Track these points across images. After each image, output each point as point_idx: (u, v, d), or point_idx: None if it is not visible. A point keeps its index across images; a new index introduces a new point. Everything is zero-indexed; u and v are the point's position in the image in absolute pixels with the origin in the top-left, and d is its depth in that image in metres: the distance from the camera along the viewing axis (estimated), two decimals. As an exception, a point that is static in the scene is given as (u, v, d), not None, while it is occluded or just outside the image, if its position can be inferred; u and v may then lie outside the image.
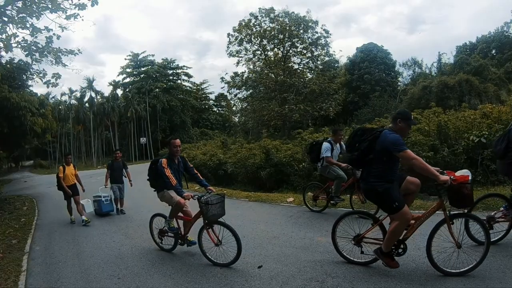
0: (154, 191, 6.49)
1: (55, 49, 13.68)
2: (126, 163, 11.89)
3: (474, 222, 4.61)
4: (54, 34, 12.97)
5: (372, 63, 50.54)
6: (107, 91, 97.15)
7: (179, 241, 6.37)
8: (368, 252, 4.88)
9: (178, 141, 6.25)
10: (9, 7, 11.55)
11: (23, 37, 15.03)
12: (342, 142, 8.49)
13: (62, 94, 59.23)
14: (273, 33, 42.75)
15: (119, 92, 69.24)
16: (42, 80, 14.76)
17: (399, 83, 57.10)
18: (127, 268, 5.89)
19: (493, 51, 52.41)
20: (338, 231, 5.17)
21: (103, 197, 10.95)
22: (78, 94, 60.07)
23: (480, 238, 4.75)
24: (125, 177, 11.46)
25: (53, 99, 56.01)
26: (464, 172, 4.38)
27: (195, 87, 77.89)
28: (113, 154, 12.40)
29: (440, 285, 4.21)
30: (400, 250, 4.58)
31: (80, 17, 12.43)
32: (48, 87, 14.83)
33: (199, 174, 6.48)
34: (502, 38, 51.65)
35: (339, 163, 8.02)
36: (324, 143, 8.23)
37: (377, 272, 4.73)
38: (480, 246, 4.64)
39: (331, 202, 8.41)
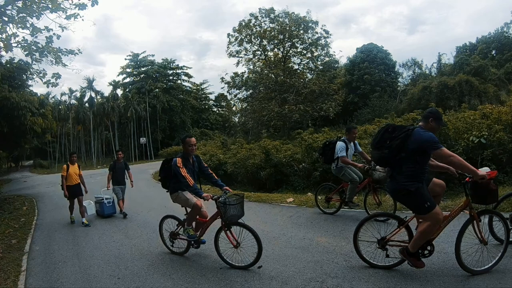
0: (167, 192, 6.24)
1: (55, 49, 13.68)
2: (128, 164, 11.55)
3: (497, 220, 4.67)
4: (54, 34, 12.97)
5: (372, 64, 50.51)
6: (107, 91, 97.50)
7: (194, 244, 6.05)
8: (393, 255, 4.76)
9: (193, 139, 5.95)
10: (9, 7, 11.55)
11: (23, 37, 15.15)
12: (356, 141, 8.15)
13: (62, 94, 59.33)
14: (273, 33, 42.86)
15: (119, 92, 69.30)
16: (42, 80, 14.75)
17: (399, 84, 57.17)
18: (126, 268, 5.89)
19: (493, 52, 52.61)
20: (360, 236, 5.01)
21: (106, 199, 10.57)
22: (78, 94, 60.21)
23: (502, 237, 4.74)
24: (127, 178, 11.04)
25: (53, 99, 56.29)
26: (486, 169, 4.37)
27: (195, 87, 78.03)
28: (114, 155, 12.31)
29: (440, 284, 4.21)
30: (426, 252, 4.49)
31: (80, 17, 12.44)
32: (48, 87, 14.84)
33: (214, 174, 6.21)
34: (502, 38, 51.82)
35: (355, 163, 7.72)
36: (338, 142, 7.84)
37: (377, 272, 4.73)
38: (500, 245, 4.67)
39: (345, 206, 8.02)
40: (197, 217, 5.95)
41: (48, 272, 6.12)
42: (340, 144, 7.73)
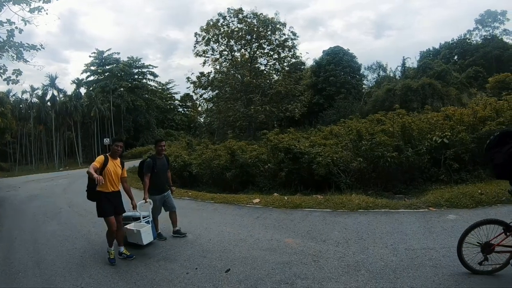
0: None
1: (16, 44, 13.32)
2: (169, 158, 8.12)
3: None
4: (16, 27, 12.68)
5: (338, 66, 51.71)
6: (70, 89, 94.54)
7: None
8: None
9: None
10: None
11: (-18, 30, 14.61)
12: None
13: (23, 92, 57.42)
14: (240, 33, 43.00)
15: (83, 90, 67.61)
16: (1, 77, 14.28)
17: (364, 86, 58.99)
18: (90, 277, 5.63)
19: (455, 57, 55.82)
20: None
21: (143, 218, 6.94)
22: (40, 92, 58.29)
23: None
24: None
25: (13, 97, 54.73)
26: None
27: (160, 87, 77.69)
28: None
29: (410, 281, 4.24)
30: None
31: (45, 10, 12.15)
32: (8, 84, 14.40)
33: None
34: (464, 45, 55.19)
35: None
36: None
37: (346, 272, 4.74)
38: None
39: None
40: None
41: (8, 284, 5.77)
42: None
